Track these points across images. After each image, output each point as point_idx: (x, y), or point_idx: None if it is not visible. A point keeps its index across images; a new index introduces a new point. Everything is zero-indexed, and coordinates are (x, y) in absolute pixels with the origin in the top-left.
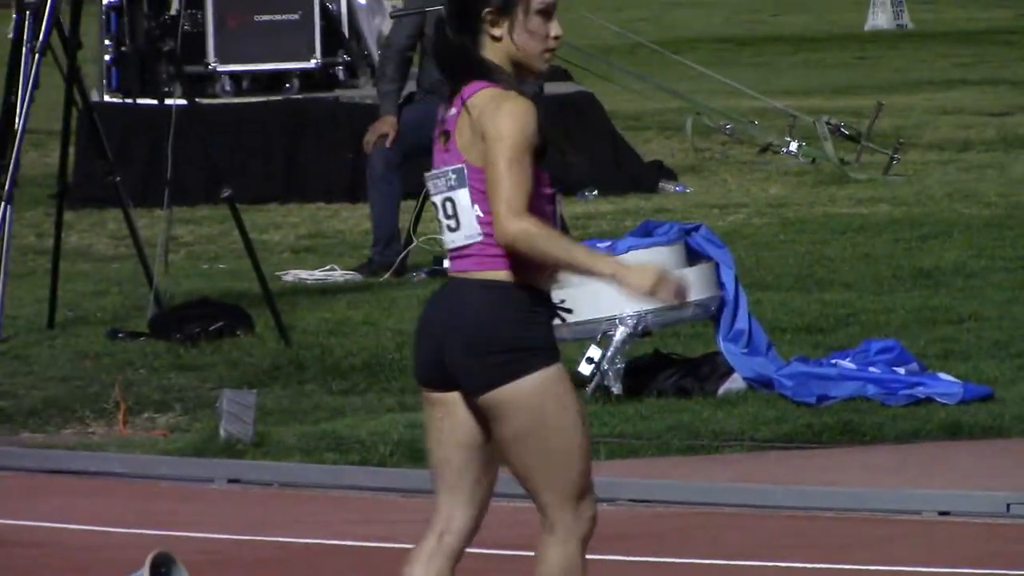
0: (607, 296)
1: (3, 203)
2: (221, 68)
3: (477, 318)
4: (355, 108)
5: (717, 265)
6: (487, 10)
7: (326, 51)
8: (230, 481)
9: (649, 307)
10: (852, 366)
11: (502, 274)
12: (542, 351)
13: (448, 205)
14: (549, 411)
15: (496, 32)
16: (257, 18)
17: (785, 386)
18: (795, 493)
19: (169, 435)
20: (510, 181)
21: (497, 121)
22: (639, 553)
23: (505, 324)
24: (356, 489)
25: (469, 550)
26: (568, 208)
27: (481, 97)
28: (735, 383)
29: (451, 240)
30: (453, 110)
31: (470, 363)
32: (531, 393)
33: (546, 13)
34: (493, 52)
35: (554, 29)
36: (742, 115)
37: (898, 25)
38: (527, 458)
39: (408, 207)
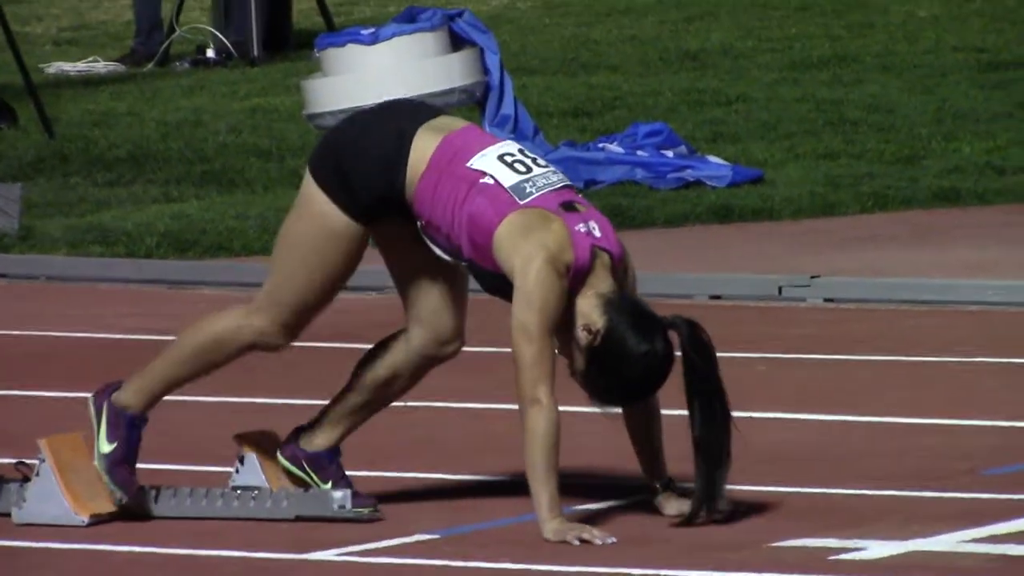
0: (371, 82)
1: None
2: None
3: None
4: None
5: (481, 50)
6: (598, 327)
7: None
8: None
9: (414, 93)
10: (620, 150)
11: None
12: (353, 205)
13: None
14: (308, 229)
15: (582, 326)
16: None
17: None
18: None
19: None
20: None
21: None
22: None
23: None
24: (123, 282)
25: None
26: None
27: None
28: None
29: None
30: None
31: None
32: (314, 205)
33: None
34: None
35: None
36: None
37: None
38: (280, 237)
39: None
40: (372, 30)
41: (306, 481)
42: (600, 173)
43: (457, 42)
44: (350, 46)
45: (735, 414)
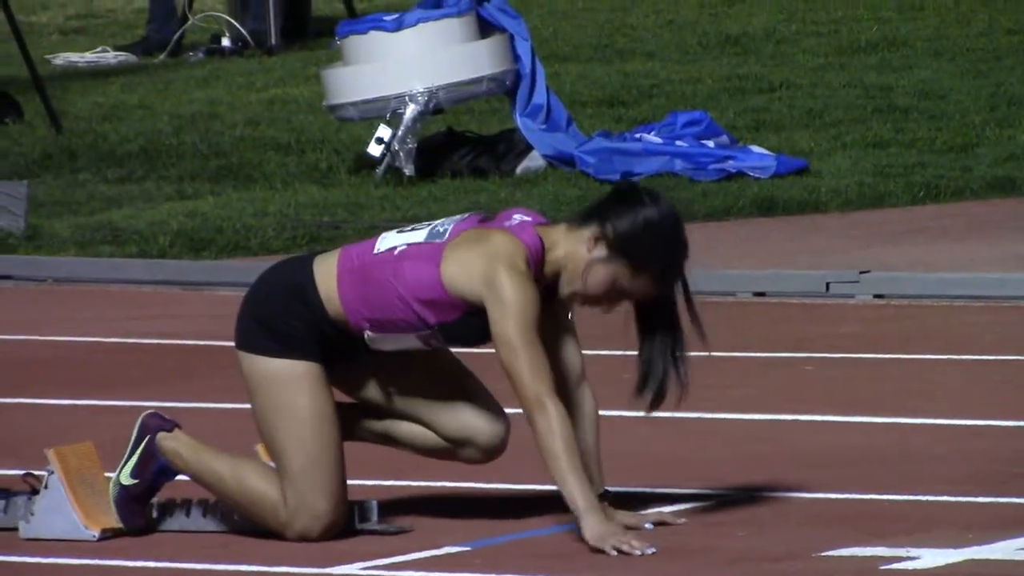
0: (395, 72)
1: None
2: None
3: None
4: None
5: (511, 37)
6: (597, 230)
7: None
8: (1, 278)
9: (440, 83)
10: (658, 140)
11: (332, 287)
12: (292, 347)
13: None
14: (272, 399)
15: (589, 247)
16: None
17: (587, 163)
18: None
19: None
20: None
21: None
22: None
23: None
24: (135, 283)
25: None
26: None
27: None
28: (534, 161)
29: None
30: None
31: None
32: (263, 374)
33: (623, 297)
34: (566, 241)
35: (607, 310)
36: None
37: None
38: (260, 426)
39: None
40: (395, 16)
41: None
42: (637, 165)
43: (486, 28)
44: (372, 33)
45: (784, 417)
